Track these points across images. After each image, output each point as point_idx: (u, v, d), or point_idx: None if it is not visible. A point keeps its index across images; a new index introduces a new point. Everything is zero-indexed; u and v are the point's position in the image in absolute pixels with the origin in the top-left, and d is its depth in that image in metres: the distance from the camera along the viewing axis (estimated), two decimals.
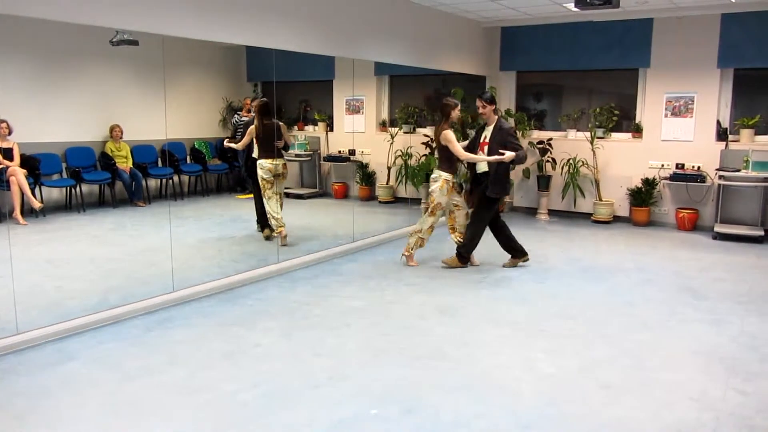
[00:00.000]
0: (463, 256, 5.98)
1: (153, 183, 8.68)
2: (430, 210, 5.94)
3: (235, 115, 8.50)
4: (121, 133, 8.34)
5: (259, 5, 5.51)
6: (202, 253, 6.51)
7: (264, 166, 6.56)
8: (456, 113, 5.88)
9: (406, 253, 6.11)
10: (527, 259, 6.05)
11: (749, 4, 7.27)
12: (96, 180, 8.07)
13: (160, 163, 8.67)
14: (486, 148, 5.77)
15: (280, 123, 6.72)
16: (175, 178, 8.71)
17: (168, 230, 5.74)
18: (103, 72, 7.98)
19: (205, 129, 9.10)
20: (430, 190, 5.94)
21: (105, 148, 8.31)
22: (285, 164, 6.74)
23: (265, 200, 6.65)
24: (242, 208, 7.19)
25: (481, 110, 5.80)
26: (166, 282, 5.02)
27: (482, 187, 5.82)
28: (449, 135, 5.73)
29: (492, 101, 5.78)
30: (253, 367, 3.74)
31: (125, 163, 8.34)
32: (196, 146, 9.09)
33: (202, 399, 3.32)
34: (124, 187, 8.29)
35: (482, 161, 5.75)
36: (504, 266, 6.02)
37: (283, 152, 6.81)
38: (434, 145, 5.91)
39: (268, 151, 6.59)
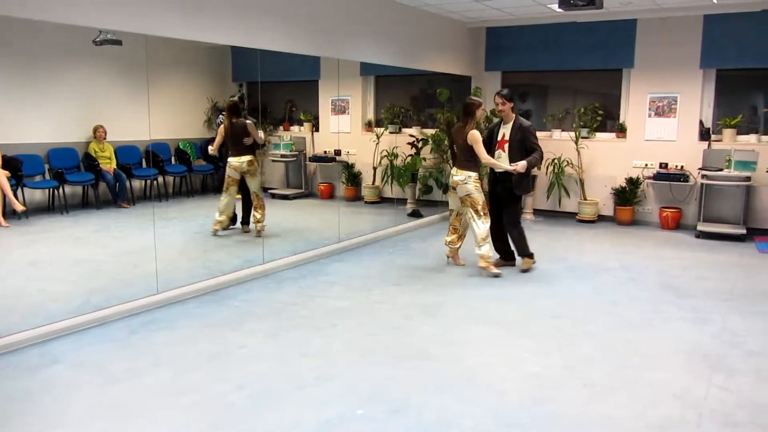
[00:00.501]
0: (528, 254, 5.97)
1: (137, 184, 8.62)
2: (482, 212, 5.70)
3: (220, 116, 8.45)
4: (105, 134, 8.28)
5: (244, 5, 5.49)
6: (187, 255, 6.47)
7: (231, 164, 6.77)
8: (480, 112, 5.82)
9: (492, 270, 5.72)
10: (514, 265, 6.06)
11: (731, 5, 7.36)
12: (79, 181, 8.00)
13: (144, 164, 8.61)
14: (506, 146, 5.72)
15: (248, 121, 6.78)
16: (160, 178, 8.64)
17: (152, 231, 5.70)
18: (86, 72, 7.90)
19: (190, 129, 9.04)
20: (465, 193, 5.70)
21: (88, 148, 8.24)
22: (252, 161, 6.82)
23: (222, 195, 6.79)
24: None
25: (500, 107, 5.73)
26: (150, 284, 4.98)
27: (504, 185, 5.78)
28: (477, 135, 5.59)
29: (511, 98, 5.72)
30: (239, 368, 3.72)
31: (109, 164, 8.28)
32: (181, 147, 9.03)
33: (188, 400, 3.30)
34: (107, 188, 8.22)
35: (500, 168, 5.69)
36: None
37: (258, 150, 6.86)
38: (457, 143, 5.78)
39: (235, 150, 6.76)
